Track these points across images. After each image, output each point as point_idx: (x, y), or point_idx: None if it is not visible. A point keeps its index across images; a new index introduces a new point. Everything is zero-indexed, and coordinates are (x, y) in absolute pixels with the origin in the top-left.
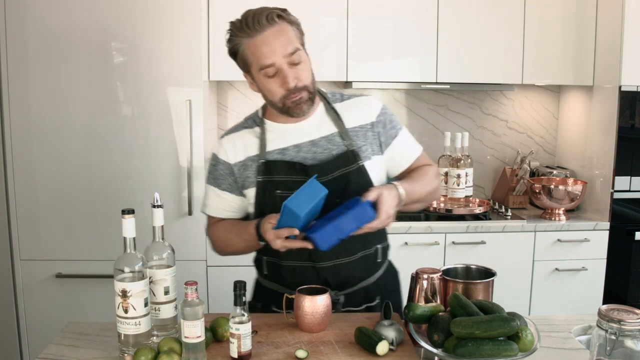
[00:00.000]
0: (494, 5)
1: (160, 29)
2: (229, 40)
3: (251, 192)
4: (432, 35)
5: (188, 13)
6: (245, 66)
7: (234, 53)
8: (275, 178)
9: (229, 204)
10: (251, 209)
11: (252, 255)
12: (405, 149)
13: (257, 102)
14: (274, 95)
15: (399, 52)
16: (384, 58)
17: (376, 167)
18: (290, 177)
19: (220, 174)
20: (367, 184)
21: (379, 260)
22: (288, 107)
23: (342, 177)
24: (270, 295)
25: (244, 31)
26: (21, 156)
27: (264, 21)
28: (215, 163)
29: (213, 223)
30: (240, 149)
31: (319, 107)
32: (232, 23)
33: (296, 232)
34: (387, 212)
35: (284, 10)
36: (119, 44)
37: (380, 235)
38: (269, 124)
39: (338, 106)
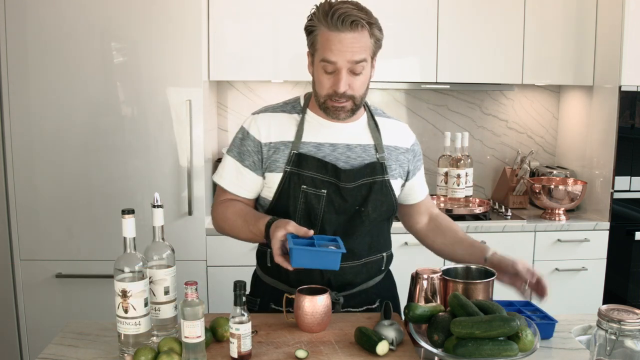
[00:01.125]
0: (493, 5)
1: (160, 29)
2: (310, 19)
3: (274, 178)
4: (432, 35)
5: (188, 13)
6: (312, 48)
7: (309, 31)
8: (304, 173)
9: (246, 182)
10: (267, 193)
11: (253, 252)
12: (422, 185)
13: (257, 102)
14: (321, 89)
15: (399, 52)
16: (384, 58)
17: (397, 189)
18: (319, 175)
19: (247, 149)
20: (389, 199)
21: (382, 268)
22: (327, 107)
23: (366, 186)
24: (270, 292)
25: (326, 20)
26: (21, 156)
27: (348, 24)
28: (243, 137)
29: (224, 201)
30: (275, 130)
31: (363, 117)
32: (319, 5)
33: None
34: None
35: (373, 22)
36: (119, 44)
37: (388, 243)
38: (310, 115)
39: (379, 121)
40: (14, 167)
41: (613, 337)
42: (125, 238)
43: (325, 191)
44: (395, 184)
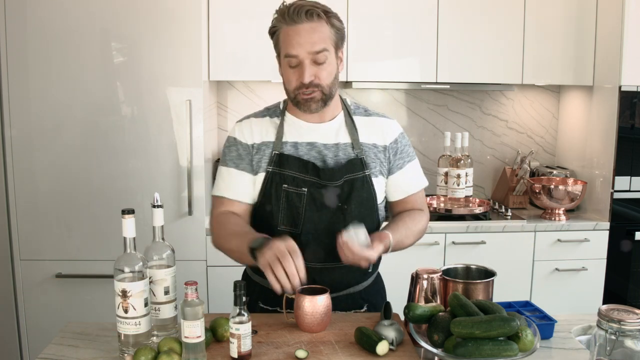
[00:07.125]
0: (493, 5)
1: (160, 29)
2: (272, 21)
3: (259, 178)
4: (432, 35)
5: (188, 13)
6: (277, 48)
7: (273, 33)
8: (286, 172)
9: (243, 185)
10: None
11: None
12: (406, 182)
13: (257, 102)
14: (289, 84)
15: (399, 52)
16: (384, 58)
17: (379, 185)
18: (300, 175)
19: (240, 154)
20: (371, 195)
21: (369, 271)
22: (298, 101)
23: (348, 183)
24: (259, 291)
25: (284, 18)
26: (21, 156)
27: (302, 15)
28: (230, 145)
29: (224, 212)
30: (257, 132)
31: (339, 115)
32: (280, 6)
33: None
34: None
35: (328, 11)
36: (119, 44)
37: None
38: (288, 117)
39: (358, 119)
40: (14, 167)
41: (613, 337)
42: (125, 238)
43: (306, 190)
44: (377, 182)
